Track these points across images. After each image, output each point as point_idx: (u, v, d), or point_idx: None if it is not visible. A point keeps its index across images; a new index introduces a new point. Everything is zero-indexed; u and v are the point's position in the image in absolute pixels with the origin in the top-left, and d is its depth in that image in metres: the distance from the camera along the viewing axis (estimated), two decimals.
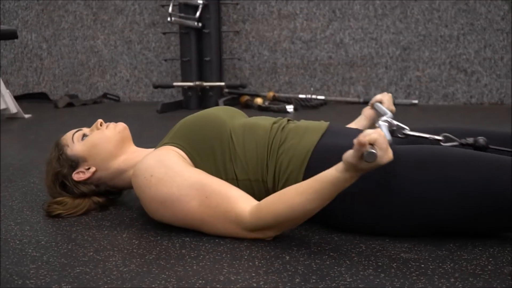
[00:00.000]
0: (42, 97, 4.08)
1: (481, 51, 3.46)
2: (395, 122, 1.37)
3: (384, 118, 1.38)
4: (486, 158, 1.27)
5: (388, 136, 1.30)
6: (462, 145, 1.34)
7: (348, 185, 1.20)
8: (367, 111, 1.74)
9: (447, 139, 1.34)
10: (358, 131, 1.47)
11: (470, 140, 1.33)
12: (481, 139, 1.32)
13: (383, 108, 1.60)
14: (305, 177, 1.36)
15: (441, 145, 1.38)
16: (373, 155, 1.13)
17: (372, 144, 1.14)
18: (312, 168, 1.36)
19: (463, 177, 1.25)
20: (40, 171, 2.09)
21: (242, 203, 1.32)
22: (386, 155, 1.15)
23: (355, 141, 1.15)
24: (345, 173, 1.18)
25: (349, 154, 1.16)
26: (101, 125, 1.62)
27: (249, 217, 1.30)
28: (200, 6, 3.40)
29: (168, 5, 3.50)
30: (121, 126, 1.62)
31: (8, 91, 3.29)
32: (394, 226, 1.33)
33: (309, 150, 1.39)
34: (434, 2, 3.46)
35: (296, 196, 1.24)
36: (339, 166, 1.20)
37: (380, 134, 1.15)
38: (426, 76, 3.56)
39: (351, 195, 1.32)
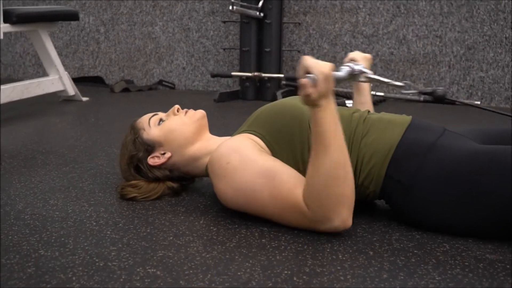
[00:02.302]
0: (97, 80, 4.14)
1: None
2: (358, 67, 1.36)
3: (349, 64, 1.37)
4: None
5: (341, 73, 1.34)
6: (420, 93, 1.34)
7: (326, 116, 1.26)
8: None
9: (407, 86, 1.35)
10: (441, 128, 1.46)
11: (429, 89, 1.33)
12: (440, 89, 1.32)
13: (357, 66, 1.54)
14: (388, 171, 1.37)
15: (401, 92, 1.44)
16: (312, 78, 1.21)
17: (308, 73, 1.22)
18: (396, 162, 1.36)
19: None
20: (106, 154, 2.14)
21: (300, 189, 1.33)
22: (319, 68, 1.22)
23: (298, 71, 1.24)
24: (312, 109, 1.26)
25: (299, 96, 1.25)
26: (178, 111, 1.64)
27: (304, 204, 1.30)
28: None
29: None
30: (200, 113, 1.63)
31: (66, 73, 3.34)
32: (480, 227, 1.32)
33: (393, 145, 1.39)
34: (500, 3, 3.40)
35: (312, 162, 1.28)
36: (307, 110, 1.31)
37: (303, 58, 1.25)
38: (489, 77, 3.50)
39: (435, 192, 1.32)
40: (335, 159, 1.26)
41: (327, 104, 1.25)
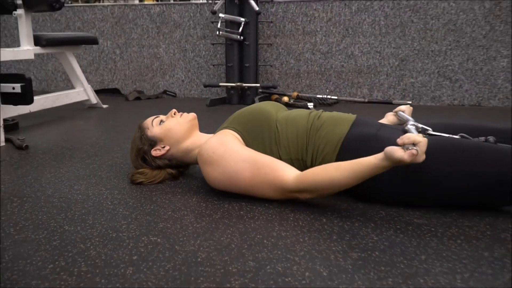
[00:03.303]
0: (115, 91, 4.10)
1: (464, 63, 3.40)
2: (420, 125, 1.36)
3: (411, 122, 1.36)
4: (489, 146, 1.26)
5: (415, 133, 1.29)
6: None
7: (380, 172, 1.18)
8: (390, 117, 1.69)
9: (462, 138, 1.32)
10: (379, 123, 1.46)
11: (482, 138, 1.31)
12: (491, 138, 1.30)
13: (406, 115, 1.58)
14: (338, 158, 1.37)
15: None
16: (416, 150, 1.11)
17: (414, 144, 1.12)
18: (344, 150, 1.36)
19: (472, 160, 1.23)
20: (120, 149, 2.12)
21: (288, 171, 1.33)
22: (422, 156, 1.13)
23: (399, 140, 1.14)
24: (383, 162, 1.16)
25: (393, 148, 1.13)
26: (175, 114, 1.63)
27: (293, 181, 1.30)
28: (242, 23, 3.39)
29: (217, 22, 3.50)
30: (192, 115, 1.63)
31: (89, 86, 3.31)
32: (412, 198, 1.32)
33: (341, 137, 1.38)
34: (427, 23, 3.41)
35: (336, 171, 1.23)
36: (379, 155, 1.17)
37: (423, 140, 1.13)
38: (418, 82, 3.51)
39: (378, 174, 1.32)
40: (347, 185, 1.23)
41: (389, 168, 1.18)
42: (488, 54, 3.35)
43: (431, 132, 1.35)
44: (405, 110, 1.62)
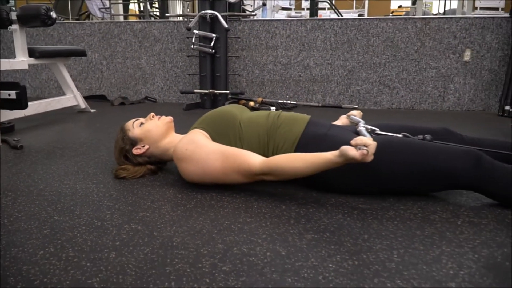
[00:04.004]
0: (102, 98, 3.98)
1: (399, 74, 3.47)
2: (369, 126, 1.37)
3: (362, 124, 1.37)
4: (424, 143, 1.28)
5: (368, 135, 1.30)
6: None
7: (335, 166, 1.18)
8: (343, 119, 1.69)
9: (405, 137, 1.33)
10: (330, 124, 1.47)
11: (420, 137, 1.32)
12: (428, 136, 1.32)
13: (357, 118, 1.58)
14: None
15: None
16: (366, 150, 1.12)
17: (366, 146, 1.12)
18: (300, 147, 1.36)
19: (408, 155, 1.25)
20: (106, 148, 2.07)
21: (253, 157, 1.31)
22: (371, 156, 1.13)
23: (352, 141, 1.14)
24: (338, 159, 1.16)
25: (347, 147, 1.13)
26: (153, 117, 1.60)
27: (259, 165, 1.28)
28: (214, 38, 3.36)
29: (192, 37, 3.46)
30: (169, 118, 1.60)
31: (79, 92, 3.22)
32: (357, 187, 1.33)
33: (298, 136, 1.38)
34: (370, 40, 3.47)
35: (299, 161, 1.22)
36: (335, 152, 1.17)
37: (373, 143, 1.14)
38: (363, 89, 3.56)
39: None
40: (306, 174, 1.22)
41: (342, 164, 1.18)
42: (420, 66, 3.43)
43: (378, 132, 1.36)
44: (356, 114, 1.63)
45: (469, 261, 0.95)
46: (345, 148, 1.14)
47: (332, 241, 1.04)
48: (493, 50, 3.28)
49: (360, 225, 1.13)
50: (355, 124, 1.58)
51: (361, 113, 1.65)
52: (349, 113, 1.64)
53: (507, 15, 3.29)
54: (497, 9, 6.18)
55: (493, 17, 3.29)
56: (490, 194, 1.24)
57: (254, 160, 1.30)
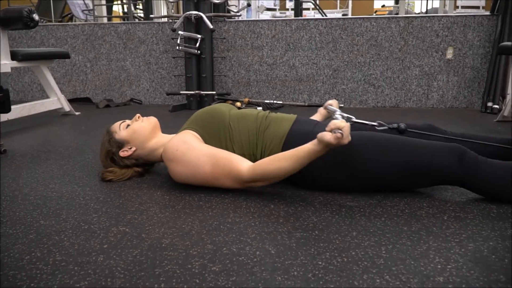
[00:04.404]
0: (86, 100, 3.93)
1: (384, 72, 3.50)
2: (345, 114, 1.37)
3: (338, 112, 1.38)
4: (408, 140, 1.29)
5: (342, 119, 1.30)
6: (389, 128, 1.34)
7: (318, 155, 1.20)
8: (322, 110, 1.72)
9: (380, 124, 1.35)
10: (315, 121, 1.48)
11: (395, 125, 1.34)
12: (402, 124, 1.33)
13: (333, 108, 1.59)
14: (283, 151, 1.36)
15: (376, 129, 1.38)
16: (340, 132, 1.14)
17: (340, 129, 1.14)
18: (288, 145, 1.36)
19: (393, 153, 1.26)
20: (92, 150, 2.04)
21: (242, 163, 1.31)
22: (347, 139, 1.15)
23: (327, 127, 1.16)
24: (317, 146, 1.18)
25: (323, 133, 1.15)
26: (139, 118, 1.58)
27: (246, 172, 1.28)
28: (199, 39, 3.34)
29: (177, 38, 3.44)
30: (154, 119, 1.59)
31: (63, 95, 3.18)
32: (344, 184, 1.34)
33: (284, 134, 1.39)
34: (354, 39, 3.49)
35: (282, 161, 1.23)
36: (314, 141, 1.19)
37: (347, 124, 1.15)
38: (348, 88, 3.59)
39: (314, 163, 1.32)
40: (293, 170, 1.23)
41: (324, 152, 1.19)
42: (403, 64, 3.47)
43: (354, 119, 1.37)
44: (332, 103, 1.63)
45: (456, 255, 0.96)
46: (321, 134, 1.16)
47: (321, 239, 1.04)
48: (475, 48, 3.33)
49: (348, 223, 1.14)
50: (332, 113, 1.58)
51: (338, 102, 1.65)
52: (326, 103, 1.65)
53: (488, 13, 3.34)
54: (478, 7, 6.28)
55: (474, 15, 3.34)
56: (475, 189, 1.26)
57: (243, 167, 1.30)
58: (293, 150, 1.23)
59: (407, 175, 1.26)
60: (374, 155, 1.26)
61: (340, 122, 1.15)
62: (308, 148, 1.20)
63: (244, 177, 1.29)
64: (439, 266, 0.91)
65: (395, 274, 0.89)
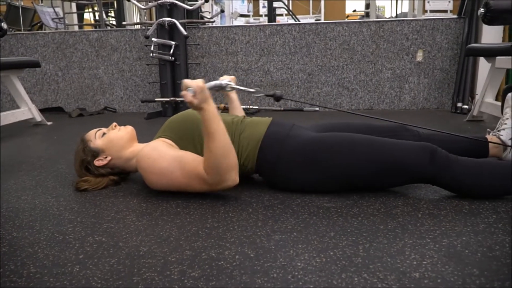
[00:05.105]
0: (58, 110, 3.86)
1: (357, 76, 3.56)
2: (224, 82, 1.34)
3: (219, 81, 1.37)
4: (380, 140, 1.32)
5: (211, 84, 1.31)
6: (266, 95, 1.35)
7: (210, 115, 1.24)
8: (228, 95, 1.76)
9: (257, 92, 1.34)
10: (291, 124, 1.49)
11: (271, 92, 1.33)
12: (278, 92, 1.34)
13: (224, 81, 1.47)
14: (259, 154, 1.37)
15: (253, 95, 1.40)
16: (191, 90, 1.21)
17: (188, 87, 1.21)
18: (264, 148, 1.37)
19: (365, 152, 1.29)
20: (65, 160, 2.00)
21: (202, 164, 1.30)
22: (198, 96, 1.21)
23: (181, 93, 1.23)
24: (199, 112, 1.24)
25: (182, 93, 1.22)
26: (115, 127, 1.57)
27: (204, 171, 1.28)
28: (173, 45, 3.33)
29: (150, 45, 3.42)
30: (130, 128, 1.57)
31: (34, 105, 3.11)
32: (320, 185, 1.36)
33: (261, 137, 1.39)
34: (327, 44, 3.54)
35: (206, 145, 1.25)
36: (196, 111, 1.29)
37: (185, 80, 1.23)
38: (323, 92, 3.63)
39: (291, 165, 1.34)
40: (221, 141, 1.24)
41: (207, 107, 1.24)
42: (376, 67, 3.54)
43: (233, 85, 1.35)
44: (224, 78, 1.54)
45: (430, 251, 0.98)
46: (182, 94, 1.23)
47: (299, 240, 1.05)
48: (444, 50, 3.43)
49: (326, 223, 1.15)
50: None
51: (235, 78, 1.60)
52: (220, 79, 1.61)
53: (455, 16, 3.45)
54: (445, 11, 6.47)
55: (442, 19, 3.45)
56: (447, 187, 1.30)
57: (202, 166, 1.29)
58: (203, 132, 1.27)
59: (380, 174, 1.29)
60: (347, 154, 1.28)
61: (190, 81, 1.22)
62: (199, 118, 1.27)
63: (205, 176, 1.28)
64: (414, 262, 0.94)
65: (372, 272, 0.90)
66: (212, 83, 1.32)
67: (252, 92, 1.36)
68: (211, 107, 1.25)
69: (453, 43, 3.41)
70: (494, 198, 1.29)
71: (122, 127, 1.57)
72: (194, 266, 0.95)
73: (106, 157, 1.51)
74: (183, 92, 1.22)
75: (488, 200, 1.28)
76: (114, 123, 1.57)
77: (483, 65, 3.09)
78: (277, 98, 1.33)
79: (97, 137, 1.53)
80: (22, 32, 4.47)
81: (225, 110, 3.48)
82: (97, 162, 1.51)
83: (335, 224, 1.14)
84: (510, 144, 1.58)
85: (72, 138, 2.58)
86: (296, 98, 3.65)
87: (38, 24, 5.63)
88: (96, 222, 1.21)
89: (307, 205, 1.29)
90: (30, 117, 3.06)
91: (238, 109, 1.77)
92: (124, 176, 1.62)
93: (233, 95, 1.77)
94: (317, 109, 3.57)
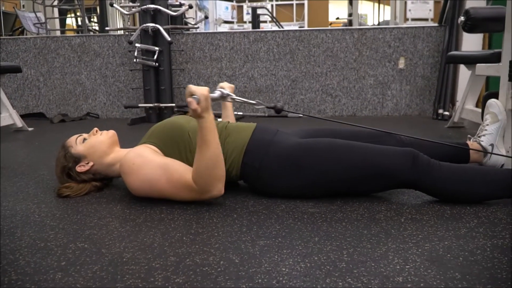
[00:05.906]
0: (40, 115, 3.80)
1: (341, 82, 3.61)
2: (226, 92, 1.37)
3: (220, 89, 1.38)
4: (363, 145, 1.34)
5: (215, 95, 1.33)
6: (267, 107, 1.36)
7: (208, 124, 1.23)
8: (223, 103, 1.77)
9: (258, 104, 1.36)
10: (276, 130, 1.49)
11: (272, 104, 1.35)
12: (279, 104, 1.36)
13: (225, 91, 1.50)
14: (244, 160, 1.38)
15: (255, 107, 1.41)
16: (196, 98, 1.19)
17: (192, 95, 1.20)
18: (248, 153, 1.38)
19: (349, 157, 1.30)
20: (47, 167, 1.97)
21: (190, 173, 1.29)
22: (203, 103, 1.20)
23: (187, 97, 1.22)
24: (198, 120, 1.23)
25: (187, 101, 1.21)
26: (96, 132, 1.55)
27: (192, 179, 1.28)
28: (157, 51, 3.32)
29: (134, 51, 3.41)
30: (112, 132, 1.56)
31: (15, 111, 3.07)
32: (305, 191, 1.37)
33: (245, 142, 1.40)
34: (311, 50, 3.58)
35: (199, 154, 1.25)
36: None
37: (191, 87, 1.21)
38: (307, 98, 3.66)
39: (275, 170, 1.34)
40: (214, 152, 1.25)
41: (208, 116, 1.23)
42: (359, 74, 3.59)
43: (233, 96, 1.38)
44: (224, 86, 1.55)
45: (413, 255, 1.00)
46: (187, 100, 1.22)
47: (284, 246, 1.05)
48: (425, 58, 3.50)
49: (311, 229, 1.16)
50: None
51: (233, 87, 1.62)
52: (218, 86, 1.57)
53: (436, 24, 3.53)
54: (426, 19, 6.60)
55: (423, 27, 3.52)
56: (429, 192, 1.32)
57: (190, 175, 1.29)
58: (197, 141, 1.26)
59: (363, 179, 1.30)
60: (330, 160, 1.30)
61: (194, 87, 1.21)
62: (197, 128, 1.24)
63: (192, 185, 1.28)
64: (398, 267, 0.95)
65: (356, 276, 0.91)
66: (216, 94, 1.33)
67: (253, 104, 1.37)
68: (211, 117, 1.25)
69: (434, 51, 3.48)
70: (475, 203, 1.31)
71: (104, 131, 1.56)
72: (179, 272, 0.94)
73: (88, 163, 1.50)
74: (189, 99, 1.19)
75: (469, 205, 1.30)
76: (95, 128, 1.55)
77: (464, 72, 3.17)
78: (278, 111, 1.35)
79: (78, 143, 1.51)
80: (3, 37, 4.41)
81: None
82: (79, 168, 1.49)
83: (320, 229, 1.15)
84: (490, 150, 1.61)
85: (53, 144, 2.55)
86: (281, 103, 3.67)
87: (20, 29, 5.55)
88: (78, 229, 1.20)
89: (292, 211, 1.29)
90: (11, 123, 3.01)
91: (230, 117, 1.77)
92: (107, 182, 1.60)
93: (228, 105, 1.78)
94: (301, 115, 3.60)
